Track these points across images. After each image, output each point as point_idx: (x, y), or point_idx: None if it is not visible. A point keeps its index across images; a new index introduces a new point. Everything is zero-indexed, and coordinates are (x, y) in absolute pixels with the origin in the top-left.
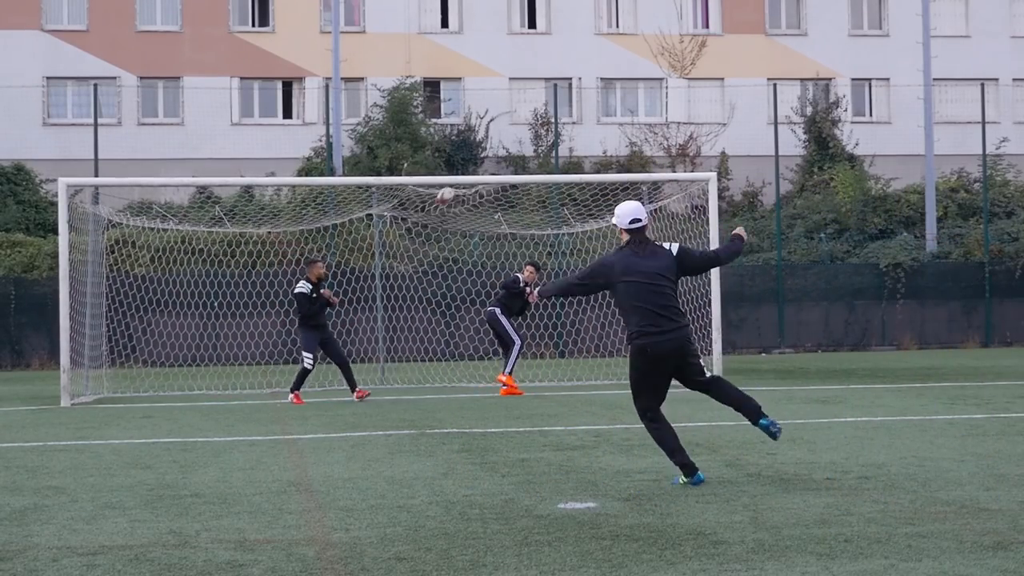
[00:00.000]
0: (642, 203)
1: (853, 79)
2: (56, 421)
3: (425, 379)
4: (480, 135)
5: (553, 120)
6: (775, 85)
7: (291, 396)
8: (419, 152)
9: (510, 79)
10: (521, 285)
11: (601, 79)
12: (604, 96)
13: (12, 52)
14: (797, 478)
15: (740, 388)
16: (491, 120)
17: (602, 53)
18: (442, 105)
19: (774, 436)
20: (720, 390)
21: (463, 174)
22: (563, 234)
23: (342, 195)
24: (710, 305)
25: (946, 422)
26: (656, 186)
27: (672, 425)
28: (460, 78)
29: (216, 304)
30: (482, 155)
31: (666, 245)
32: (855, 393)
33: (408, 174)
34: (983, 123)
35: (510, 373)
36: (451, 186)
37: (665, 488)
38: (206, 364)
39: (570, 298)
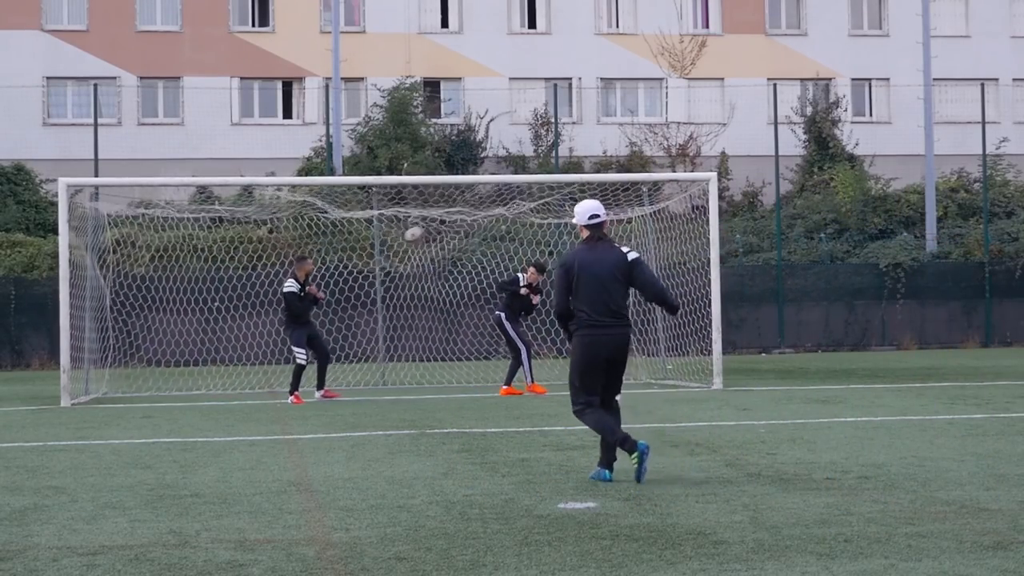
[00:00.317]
0: (642, 203)
1: (853, 79)
2: (56, 421)
3: (425, 379)
4: (480, 135)
5: (553, 120)
6: (775, 85)
7: (290, 397)
8: (419, 152)
9: (510, 79)
10: (522, 285)
11: (601, 79)
12: (604, 96)
13: (12, 52)
14: (797, 478)
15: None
16: (491, 120)
17: (602, 53)
18: (442, 105)
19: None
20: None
21: (463, 174)
22: (563, 223)
23: (342, 195)
24: (710, 305)
25: (946, 422)
26: (656, 186)
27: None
28: (460, 78)
29: (216, 304)
30: (482, 155)
31: (624, 249)
32: (855, 393)
33: (408, 174)
34: (983, 123)
35: (533, 381)
36: (453, 185)
37: (665, 488)
38: (206, 364)
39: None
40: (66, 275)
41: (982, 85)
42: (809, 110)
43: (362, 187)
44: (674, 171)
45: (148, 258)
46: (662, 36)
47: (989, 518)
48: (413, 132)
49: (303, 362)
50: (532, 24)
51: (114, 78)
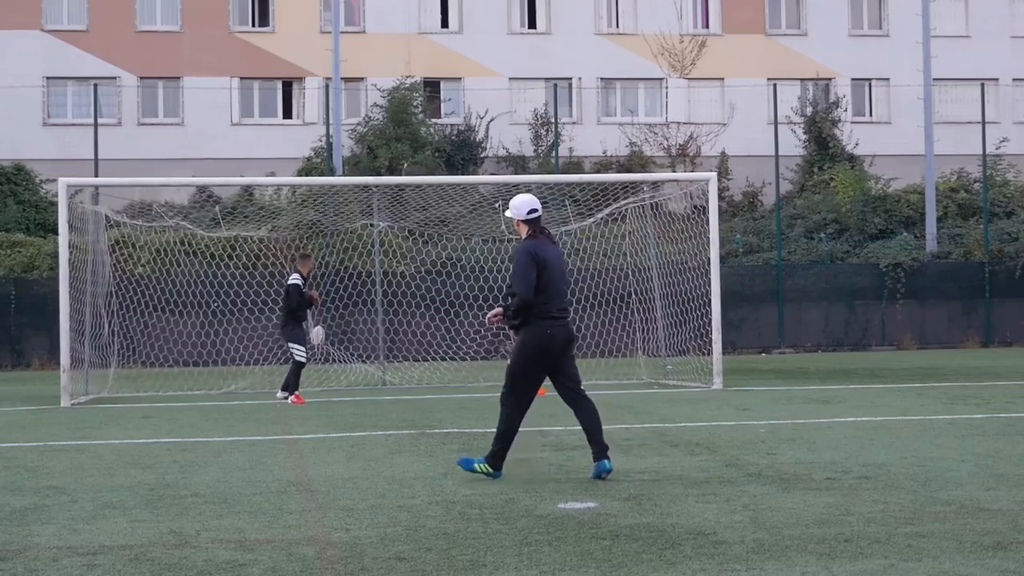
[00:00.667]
0: (642, 200)
1: (853, 79)
2: (56, 421)
3: (425, 379)
4: (480, 135)
5: (553, 120)
6: (775, 85)
7: (291, 397)
8: (419, 152)
9: (510, 79)
10: None
11: (601, 79)
12: (604, 96)
13: (12, 52)
14: (797, 478)
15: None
16: (491, 120)
17: (602, 53)
18: (442, 105)
19: (600, 477)
20: (587, 412)
21: (463, 174)
22: (563, 233)
23: (342, 196)
24: (710, 305)
25: (946, 422)
26: (656, 186)
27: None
28: (460, 78)
29: (216, 304)
30: (482, 155)
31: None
32: (855, 393)
33: (408, 174)
34: (983, 123)
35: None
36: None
37: (665, 488)
38: (206, 364)
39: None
40: (66, 275)
41: (982, 85)
42: (809, 110)
43: (362, 187)
44: (674, 171)
45: (148, 258)
46: (662, 36)
47: (989, 518)
48: (413, 132)
49: (303, 359)
50: (532, 24)
51: (114, 78)
